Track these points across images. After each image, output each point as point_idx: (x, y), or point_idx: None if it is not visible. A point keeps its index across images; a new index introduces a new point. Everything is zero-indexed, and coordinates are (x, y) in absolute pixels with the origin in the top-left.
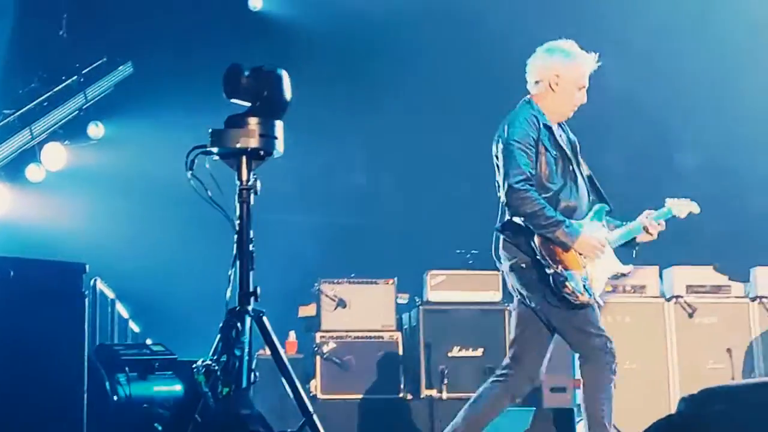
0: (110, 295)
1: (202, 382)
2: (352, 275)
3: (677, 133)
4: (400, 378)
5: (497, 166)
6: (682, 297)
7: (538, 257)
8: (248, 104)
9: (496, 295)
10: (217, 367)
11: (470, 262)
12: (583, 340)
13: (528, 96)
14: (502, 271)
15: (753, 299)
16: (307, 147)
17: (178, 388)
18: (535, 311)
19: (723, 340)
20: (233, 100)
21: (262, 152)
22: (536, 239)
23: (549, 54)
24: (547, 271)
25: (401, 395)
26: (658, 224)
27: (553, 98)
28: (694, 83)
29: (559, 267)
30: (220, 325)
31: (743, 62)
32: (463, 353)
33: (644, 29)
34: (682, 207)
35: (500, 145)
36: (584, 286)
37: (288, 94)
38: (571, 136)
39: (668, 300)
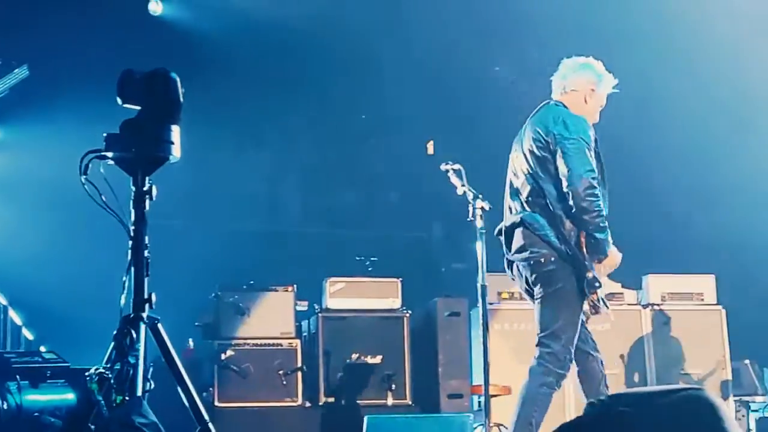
0: (2, 301)
1: (95, 391)
2: (251, 282)
3: None
4: (298, 385)
5: (535, 155)
6: None
7: (579, 255)
8: (142, 109)
9: (395, 302)
10: (110, 375)
11: (369, 269)
12: (554, 344)
13: (557, 101)
14: (512, 261)
15: (645, 306)
16: (206, 153)
17: (70, 396)
18: (535, 300)
19: (616, 346)
20: (127, 105)
21: (157, 157)
22: (582, 238)
23: (588, 69)
24: (587, 274)
25: (300, 403)
26: None
27: (583, 109)
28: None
29: (593, 272)
30: (114, 332)
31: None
32: (362, 360)
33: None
34: None
35: (560, 139)
36: (602, 298)
37: (181, 97)
38: None
39: None
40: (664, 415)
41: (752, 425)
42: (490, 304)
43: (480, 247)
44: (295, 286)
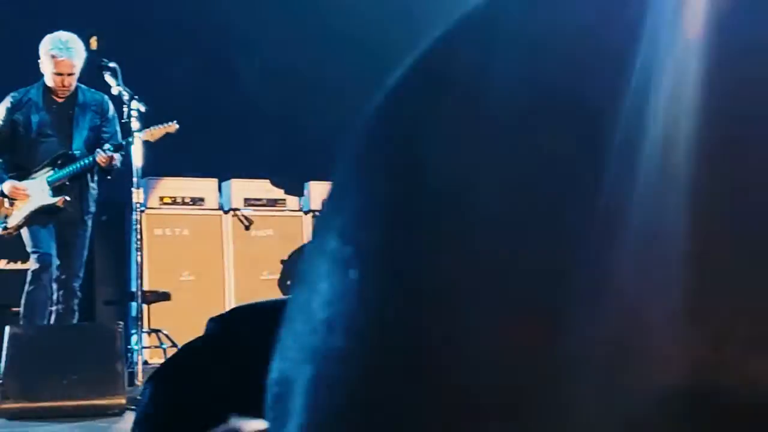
0: None
1: None
2: None
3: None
4: None
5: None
6: (239, 210)
7: None
8: None
9: None
10: None
11: None
12: None
13: None
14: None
15: (307, 212)
16: None
17: None
18: None
19: (277, 251)
20: None
21: None
22: None
23: None
24: None
25: None
26: None
27: None
28: None
29: None
30: None
31: None
32: (12, 266)
33: None
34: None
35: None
36: None
37: None
38: None
39: (226, 212)
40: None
41: None
42: (150, 208)
43: (135, 150)
44: None
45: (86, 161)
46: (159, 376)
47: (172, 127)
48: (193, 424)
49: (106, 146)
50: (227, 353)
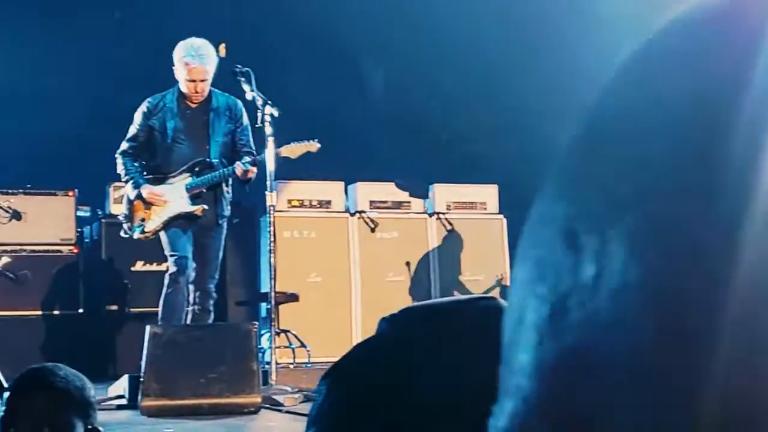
0: None
1: None
2: (28, 186)
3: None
4: (79, 293)
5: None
6: (365, 212)
7: None
8: None
9: None
10: None
11: None
12: None
13: None
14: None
15: (431, 215)
16: None
17: None
18: None
19: (402, 253)
20: None
21: None
22: None
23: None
24: None
25: (81, 311)
26: None
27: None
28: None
29: None
30: None
31: None
32: (147, 267)
33: None
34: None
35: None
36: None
37: None
38: None
39: (352, 215)
40: (469, 327)
41: None
42: (279, 211)
43: (269, 154)
44: (76, 190)
45: (225, 172)
46: (333, 374)
47: (314, 146)
48: (368, 424)
49: (246, 159)
50: (401, 354)
